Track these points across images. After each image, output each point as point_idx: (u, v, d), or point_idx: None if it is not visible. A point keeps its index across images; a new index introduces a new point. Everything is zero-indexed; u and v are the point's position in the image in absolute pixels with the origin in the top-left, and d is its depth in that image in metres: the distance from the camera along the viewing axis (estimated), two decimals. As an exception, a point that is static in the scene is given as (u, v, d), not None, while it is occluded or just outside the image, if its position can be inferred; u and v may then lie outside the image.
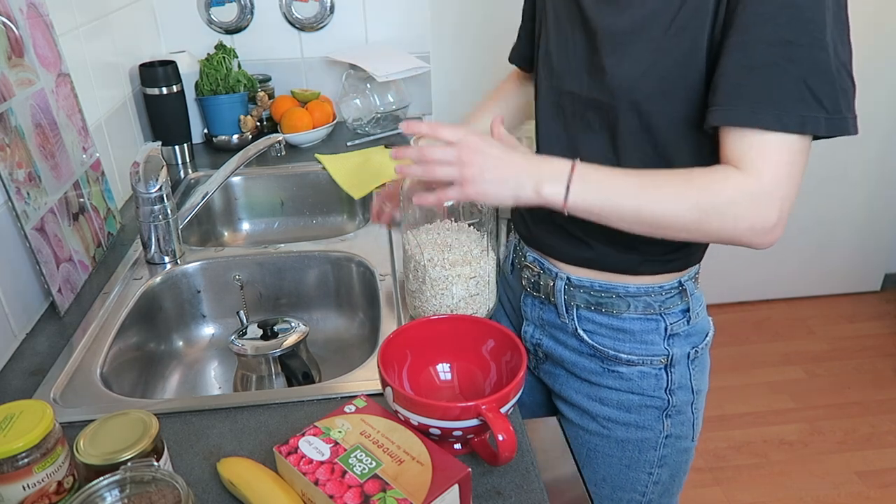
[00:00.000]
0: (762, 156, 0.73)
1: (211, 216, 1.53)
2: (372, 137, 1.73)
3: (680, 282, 0.93)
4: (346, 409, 0.74)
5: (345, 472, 0.65)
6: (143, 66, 1.55)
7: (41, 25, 1.12)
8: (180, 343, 1.18)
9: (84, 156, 1.20)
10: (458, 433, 0.71)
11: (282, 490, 0.68)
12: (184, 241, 1.21)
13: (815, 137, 0.74)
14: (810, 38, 0.70)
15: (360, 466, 0.66)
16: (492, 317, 0.96)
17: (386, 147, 1.61)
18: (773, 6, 0.70)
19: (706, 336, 0.98)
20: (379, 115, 1.75)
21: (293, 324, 1.05)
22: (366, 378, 0.88)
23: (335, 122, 1.75)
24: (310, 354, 1.07)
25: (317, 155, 1.60)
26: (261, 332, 1.02)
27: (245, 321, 1.09)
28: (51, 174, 1.06)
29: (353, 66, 1.74)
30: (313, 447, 0.69)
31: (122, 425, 0.69)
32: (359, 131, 1.77)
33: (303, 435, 0.70)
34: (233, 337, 1.03)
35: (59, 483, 0.66)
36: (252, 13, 1.78)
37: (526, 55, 1.06)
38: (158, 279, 1.14)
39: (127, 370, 1.01)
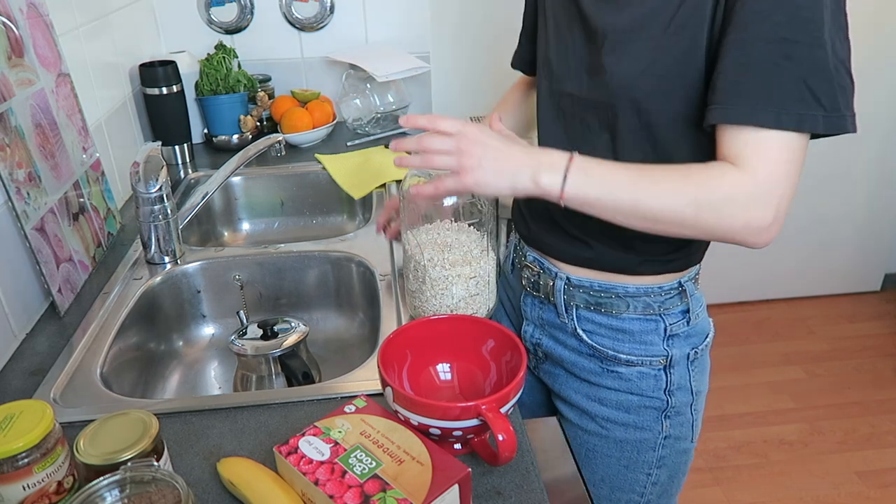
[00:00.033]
0: (759, 154, 0.72)
1: (211, 216, 1.53)
2: (372, 137, 1.73)
3: (680, 282, 0.93)
4: (346, 409, 0.74)
5: (345, 472, 0.65)
6: (143, 66, 1.55)
7: (41, 25, 1.12)
8: (180, 343, 1.18)
9: (84, 156, 1.20)
10: (458, 433, 0.71)
11: (282, 490, 0.68)
12: (184, 241, 1.21)
13: (814, 136, 0.74)
14: (808, 36, 0.69)
15: (360, 466, 0.66)
16: (492, 317, 0.96)
17: (386, 147, 1.62)
18: (772, 4, 0.70)
19: (706, 337, 0.97)
20: (379, 115, 1.75)
21: (293, 324, 1.05)
22: (366, 378, 0.88)
23: (335, 122, 1.75)
24: (310, 354, 1.07)
25: (317, 155, 1.60)
26: (261, 332, 1.03)
27: (245, 321, 1.09)
28: (51, 174, 1.06)
29: (353, 66, 1.74)
30: (313, 447, 0.69)
31: (122, 425, 0.69)
32: (359, 131, 1.77)
33: (303, 435, 0.70)
34: (233, 337, 1.03)
35: (59, 483, 0.66)
36: (252, 13, 1.78)
37: (527, 59, 1.06)
38: (158, 279, 1.14)
39: (127, 370, 1.01)
